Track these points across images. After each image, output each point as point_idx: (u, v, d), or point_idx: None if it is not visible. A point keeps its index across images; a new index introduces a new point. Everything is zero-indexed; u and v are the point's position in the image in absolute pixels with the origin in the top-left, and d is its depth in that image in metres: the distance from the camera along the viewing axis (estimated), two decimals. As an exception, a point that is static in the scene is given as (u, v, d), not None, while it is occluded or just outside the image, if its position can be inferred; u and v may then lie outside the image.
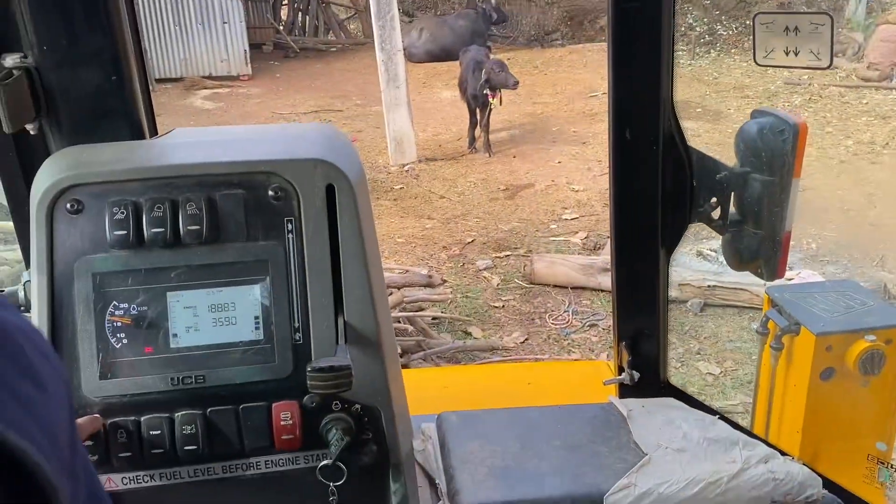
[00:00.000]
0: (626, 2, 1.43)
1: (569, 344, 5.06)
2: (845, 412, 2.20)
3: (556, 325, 5.29)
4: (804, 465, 1.43)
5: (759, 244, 1.47)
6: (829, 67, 1.23)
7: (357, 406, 1.15)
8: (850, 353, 2.09)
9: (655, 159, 1.52)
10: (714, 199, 1.50)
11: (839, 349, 2.10)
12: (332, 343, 1.12)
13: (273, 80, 14.23)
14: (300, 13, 17.62)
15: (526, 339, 5.12)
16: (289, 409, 1.12)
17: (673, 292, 4.91)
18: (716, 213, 1.52)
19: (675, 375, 4.36)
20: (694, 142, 1.52)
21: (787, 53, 1.27)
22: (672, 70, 1.48)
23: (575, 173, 8.36)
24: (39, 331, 0.51)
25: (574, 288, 5.69)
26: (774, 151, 1.39)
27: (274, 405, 1.12)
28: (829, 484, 1.43)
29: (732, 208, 1.49)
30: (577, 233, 6.75)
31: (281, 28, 16.88)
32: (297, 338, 1.12)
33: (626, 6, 1.44)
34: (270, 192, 1.12)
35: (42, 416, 0.44)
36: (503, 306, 5.57)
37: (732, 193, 1.48)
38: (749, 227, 1.47)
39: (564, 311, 5.43)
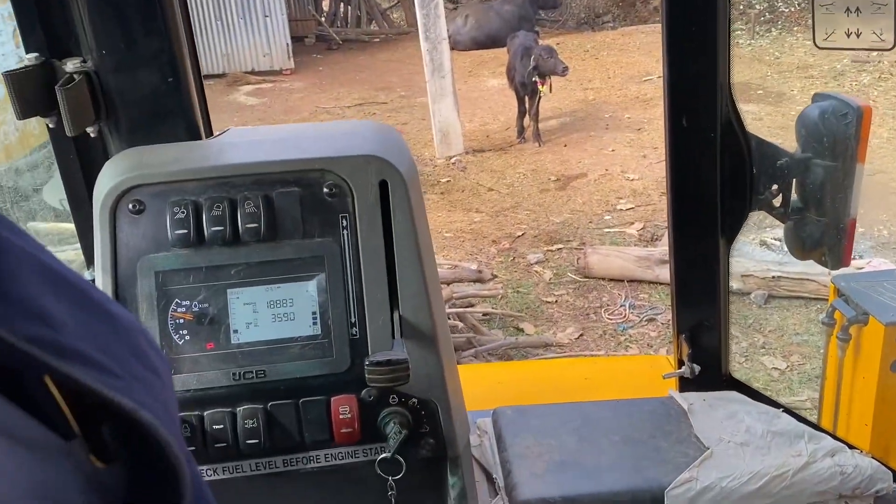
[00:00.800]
0: None
1: (626, 339, 4.97)
2: (917, 404, 2.12)
3: (611, 320, 5.20)
4: (874, 458, 1.39)
5: (822, 232, 1.43)
6: (892, 48, 1.18)
7: (414, 400, 1.15)
8: (922, 344, 2.02)
9: (713, 146, 1.49)
10: (775, 187, 1.47)
11: (910, 339, 2.03)
12: (388, 337, 1.13)
13: (316, 73, 14.09)
14: (342, 4, 17.27)
15: (581, 335, 5.03)
16: (347, 403, 1.13)
17: (736, 284, 4.79)
18: (777, 201, 1.48)
19: (739, 371, 4.27)
20: (755, 125, 1.49)
21: (848, 35, 1.23)
22: (729, 54, 1.45)
23: (630, 161, 8.19)
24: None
25: (630, 281, 5.56)
26: (837, 136, 1.35)
27: (332, 399, 1.13)
28: (900, 478, 1.39)
29: (794, 195, 1.46)
30: (632, 223, 6.62)
31: (323, 20, 16.63)
32: (354, 332, 1.13)
33: None
34: (325, 189, 1.13)
35: (162, 399, 0.48)
36: (556, 301, 5.50)
37: (794, 180, 1.44)
38: (812, 215, 1.43)
39: (620, 306, 5.33)
